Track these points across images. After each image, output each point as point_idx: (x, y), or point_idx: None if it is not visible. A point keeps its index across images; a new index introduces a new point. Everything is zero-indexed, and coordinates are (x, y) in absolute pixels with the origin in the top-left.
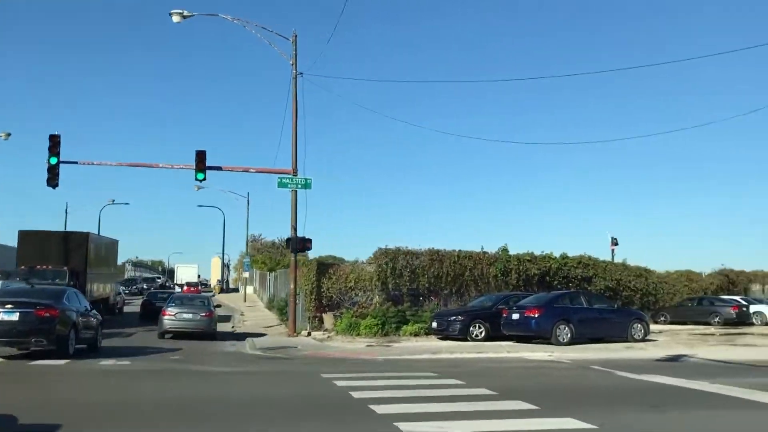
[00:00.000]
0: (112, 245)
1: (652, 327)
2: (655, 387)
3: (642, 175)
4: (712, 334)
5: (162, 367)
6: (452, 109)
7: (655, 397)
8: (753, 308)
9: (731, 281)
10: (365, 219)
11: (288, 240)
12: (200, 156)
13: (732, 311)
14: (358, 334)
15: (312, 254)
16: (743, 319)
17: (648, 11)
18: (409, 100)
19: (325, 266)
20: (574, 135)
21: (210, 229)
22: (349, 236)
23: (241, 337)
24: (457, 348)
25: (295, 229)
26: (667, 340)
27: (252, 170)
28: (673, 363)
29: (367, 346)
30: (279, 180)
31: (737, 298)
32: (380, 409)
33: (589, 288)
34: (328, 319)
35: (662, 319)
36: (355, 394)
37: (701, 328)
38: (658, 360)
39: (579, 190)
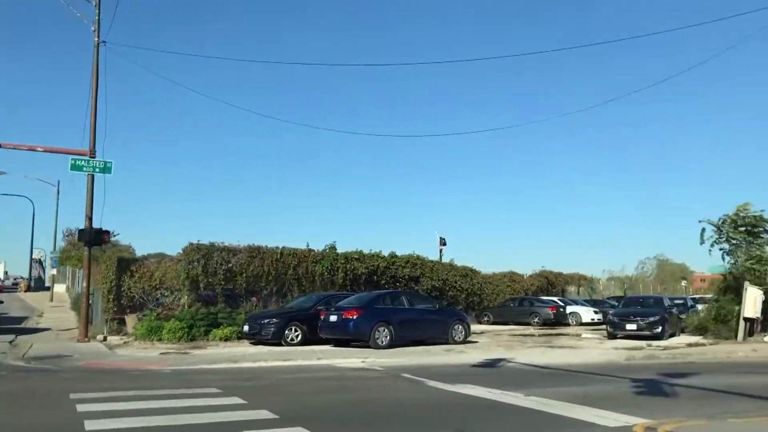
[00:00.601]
0: None
1: (477, 327)
2: (465, 402)
3: (471, 176)
4: (532, 335)
5: None
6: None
7: (463, 416)
8: (569, 309)
9: (550, 282)
10: (192, 214)
11: (81, 231)
12: None
13: (550, 312)
14: (160, 339)
15: (140, 252)
16: (560, 320)
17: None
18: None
19: (126, 262)
20: (399, 128)
21: (26, 221)
22: (174, 232)
23: (25, 338)
24: (264, 355)
25: (90, 219)
26: (488, 341)
27: (39, 149)
28: (490, 369)
29: (162, 354)
30: (72, 162)
31: (555, 299)
32: None
33: (416, 287)
34: (130, 321)
35: (486, 318)
36: (90, 425)
37: (521, 329)
38: (474, 365)
39: (410, 190)
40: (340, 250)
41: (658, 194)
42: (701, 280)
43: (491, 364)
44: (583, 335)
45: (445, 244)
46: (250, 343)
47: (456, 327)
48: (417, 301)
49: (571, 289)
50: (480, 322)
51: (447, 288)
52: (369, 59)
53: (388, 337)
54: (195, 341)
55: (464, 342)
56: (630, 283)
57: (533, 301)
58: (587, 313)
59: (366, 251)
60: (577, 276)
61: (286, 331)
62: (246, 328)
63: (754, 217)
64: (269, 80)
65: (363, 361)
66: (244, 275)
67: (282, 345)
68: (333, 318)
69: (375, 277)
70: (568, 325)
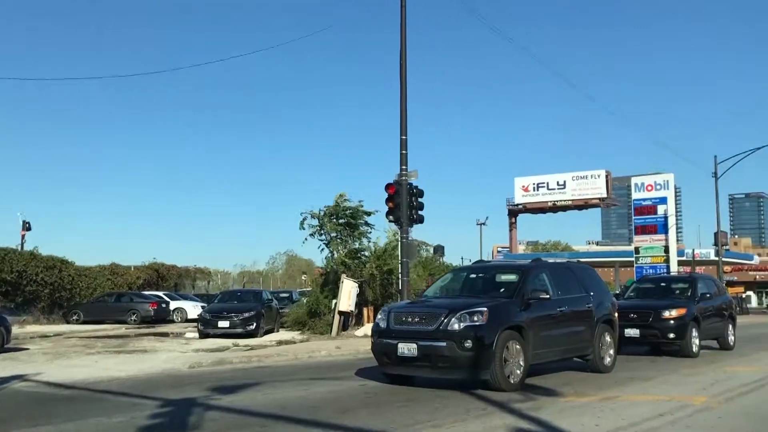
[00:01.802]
0: None
1: (57, 328)
2: None
3: (61, 165)
4: (123, 336)
5: None
6: None
7: None
8: (174, 304)
9: (161, 276)
10: None
11: None
12: None
13: (151, 308)
14: None
15: None
16: (163, 316)
17: None
18: None
19: None
20: None
21: None
22: None
23: None
24: None
25: None
26: (43, 347)
27: None
28: None
29: None
30: None
31: (161, 293)
32: None
33: None
34: None
35: (75, 317)
36: None
37: (114, 328)
38: None
39: None
40: None
41: (281, 192)
42: (321, 275)
43: None
44: (187, 334)
45: (29, 229)
46: None
47: None
48: None
49: (187, 283)
50: (68, 322)
51: (24, 282)
52: None
53: None
54: None
55: (2, 351)
56: (260, 277)
57: (133, 297)
58: (194, 309)
59: None
60: (193, 269)
61: None
62: None
63: (352, 208)
64: None
65: None
66: None
67: None
68: None
69: None
70: (172, 322)
